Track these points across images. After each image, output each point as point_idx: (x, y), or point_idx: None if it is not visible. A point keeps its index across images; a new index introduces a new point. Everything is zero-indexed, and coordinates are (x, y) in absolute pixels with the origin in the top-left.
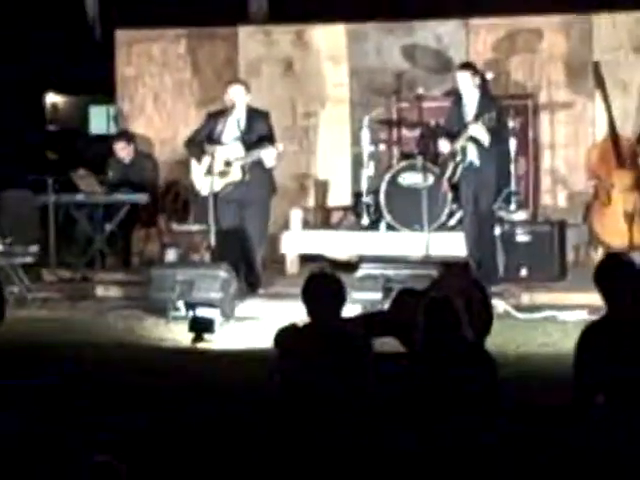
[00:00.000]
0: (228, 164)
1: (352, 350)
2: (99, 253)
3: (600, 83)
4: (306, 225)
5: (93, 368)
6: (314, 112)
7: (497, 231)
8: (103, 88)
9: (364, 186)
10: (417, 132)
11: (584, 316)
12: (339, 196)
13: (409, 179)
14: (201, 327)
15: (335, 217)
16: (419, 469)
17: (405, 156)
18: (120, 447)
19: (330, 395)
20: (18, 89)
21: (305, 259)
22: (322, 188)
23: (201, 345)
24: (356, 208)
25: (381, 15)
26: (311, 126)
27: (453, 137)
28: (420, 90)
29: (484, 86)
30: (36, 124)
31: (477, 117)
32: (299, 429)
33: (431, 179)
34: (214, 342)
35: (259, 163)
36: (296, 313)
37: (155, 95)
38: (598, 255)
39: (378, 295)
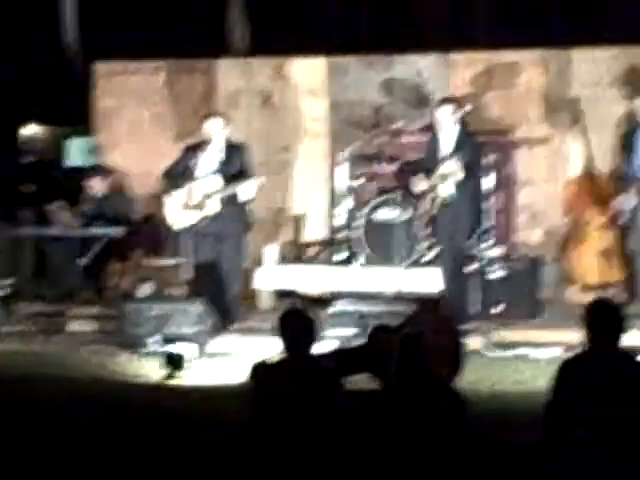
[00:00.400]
0: (205, 197)
1: (323, 386)
2: (73, 287)
3: (578, 119)
4: (281, 260)
5: (65, 402)
6: (292, 146)
7: (472, 267)
8: (81, 120)
9: (341, 221)
10: (395, 167)
11: (558, 353)
12: (315, 231)
13: (386, 214)
14: (175, 363)
15: (311, 252)
16: None
17: (383, 191)
18: None
19: (302, 431)
20: None
21: (279, 294)
22: (298, 223)
23: (174, 381)
24: (332, 243)
25: (361, 49)
26: (288, 160)
27: (431, 172)
28: (399, 124)
29: (463, 121)
30: (10, 156)
31: (454, 152)
32: (271, 464)
33: (408, 214)
34: (187, 378)
35: (235, 197)
36: (269, 348)
37: (133, 128)
38: (573, 292)
39: (352, 331)
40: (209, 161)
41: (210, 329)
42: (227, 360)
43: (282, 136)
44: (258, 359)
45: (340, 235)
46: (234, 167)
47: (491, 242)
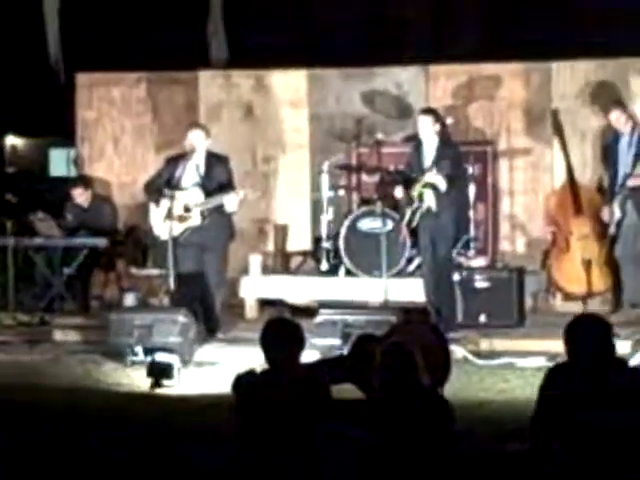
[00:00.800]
0: (187, 209)
1: (310, 396)
2: (58, 297)
3: (558, 130)
4: (265, 270)
5: (50, 412)
6: (274, 157)
7: (456, 277)
8: (63, 131)
9: (323, 231)
10: (376, 178)
11: (542, 363)
12: (298, 241)
13: (368, 224)
14: (159, 372)
15: (294, 262)
16: None
17: (364, 202)
18: None
19: (290, 441)
20: None
21: (264, 304)
22: (281, 233)
23: (159, 390)
24: (315, 253)
25: (341, 61)
26: (271, 171)
27: (412, 183)
28: (379, 136)
29: (444, 132)
30: None
31: (435, 163)
32: (256, 474)
33: (390, 225)
34: (172, 387)
35: (219, 207)
36: (255, 358)
37: (115, 139)
38: (556, 302)
39: (337, 341)
40: (191, 173)
41: (194, 339)
42: (213, 369)
43: (264, 147)
44: (244, 368)
45: (323, 245)
46: (216, 179)
47: (474, 252)
